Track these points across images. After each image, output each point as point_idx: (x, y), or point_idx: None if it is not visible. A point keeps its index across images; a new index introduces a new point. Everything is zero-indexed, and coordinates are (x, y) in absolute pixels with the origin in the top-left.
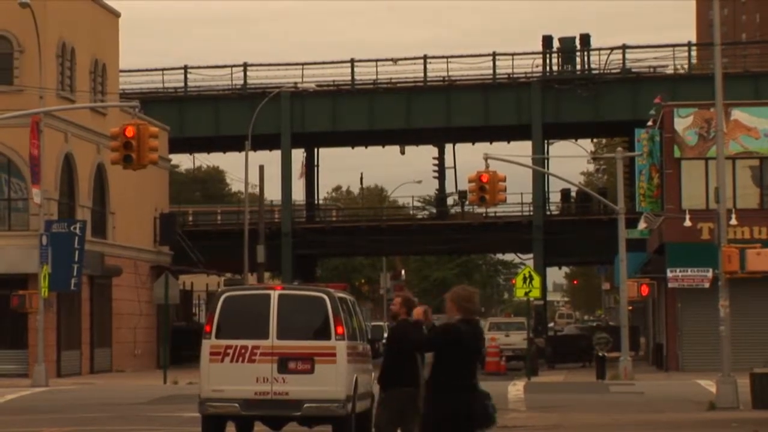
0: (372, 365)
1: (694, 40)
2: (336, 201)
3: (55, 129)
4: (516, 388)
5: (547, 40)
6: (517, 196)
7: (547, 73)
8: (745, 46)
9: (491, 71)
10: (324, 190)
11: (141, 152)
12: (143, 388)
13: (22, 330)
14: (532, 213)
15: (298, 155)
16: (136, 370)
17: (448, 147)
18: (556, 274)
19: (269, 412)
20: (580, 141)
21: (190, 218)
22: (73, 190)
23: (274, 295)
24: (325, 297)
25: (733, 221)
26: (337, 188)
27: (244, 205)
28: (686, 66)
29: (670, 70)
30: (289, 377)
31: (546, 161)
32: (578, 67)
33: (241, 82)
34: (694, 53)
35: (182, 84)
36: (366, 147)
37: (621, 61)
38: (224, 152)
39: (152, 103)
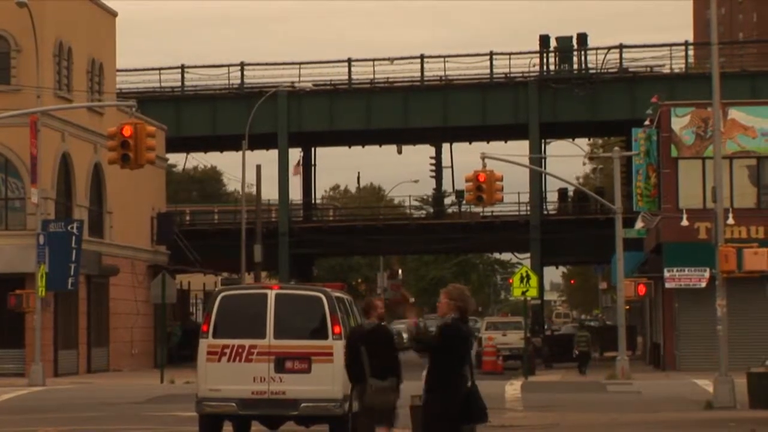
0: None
1: (691, 39)
2: (333, 200)
3: (53, 128)
4: (513, 388)
5: (544, 40)
6: (514, 195)
7: (545, 73)
8: (742, 46)
9: (488, 71)
10: (321, 189)
11: (138, 152)
12: (140, 388)
13: (19, 329)
14: (529, 212)
15: (295, 155)
16: (133, 369)
17: (445, 146)
18: (553, 274)
19: (266, 412)
20: (577, 140)
21: (188, 218)
22: (70, 189)
23: (271, 294)
24: (322, 296)
25: (730, 221)
26: (335, 188)
27: (241, 205)
28: (683, 65)
29: (667, 70)
30: (286, 377)
31: (543, 161)
32: (575, 66)
33: (238, 81)
34: (691, 52)
35: (179, 83)
36: (363, 146)
37: (618, 61)
38: (221, 152)
39: (149, 102)
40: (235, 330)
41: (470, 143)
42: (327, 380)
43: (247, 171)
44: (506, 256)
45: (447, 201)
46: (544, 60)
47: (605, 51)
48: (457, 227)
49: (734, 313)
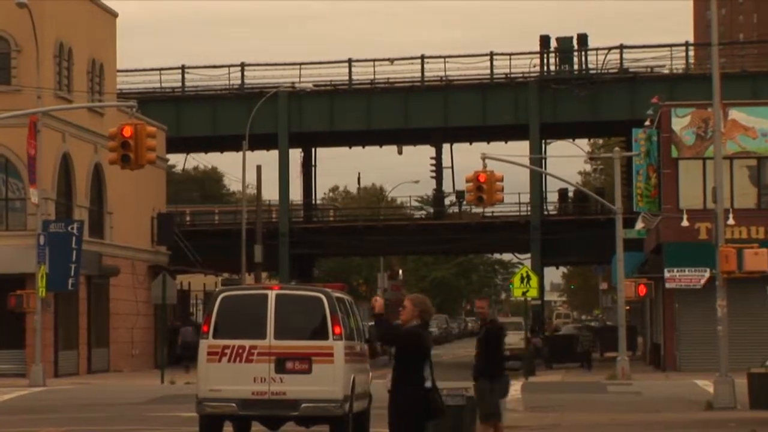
0: (369, 365)
1: (691, 40)
2: (333, 201)
3: (53, 129)
4: (513, 388)
5: (544, 40)
6: (514, 195)
7: (545, 73)
8: (742, 46)
9: (489, 71)
10: (321, 190)
11: (139, 152)
12: (141, 388)
13: (19, 330)
14: (529, 213)
15: (296, 155)
16: (134, 370)
17: (446, 147)
18: (554, 274)
19: (267, 412)
20: (578, 141)
21: (188, 218)
22: (70, 190)
23: (272, 295)
24: (323, 297)
25: (731, 221)
26: (335, 188)
27: (241, 205)
28: (684, 66)
29: (667, 70)
30: (287, 377)
31: (543, 161)
32: (576, 66)
33: (239, 81)
34: (691, 53)
35: (179, 84)
36: (363, 147)
37: (618, 61)
38: (221, 152)
39: (149, 102)
40: (235, 330)
41: (470, 144)
42: (327, 381)
43: (248, 171)
44: (507, 257)
45: (447, 201)
46: (545, 60)
47: (606, 51)
48: (457, 228)
49: (734, 313)
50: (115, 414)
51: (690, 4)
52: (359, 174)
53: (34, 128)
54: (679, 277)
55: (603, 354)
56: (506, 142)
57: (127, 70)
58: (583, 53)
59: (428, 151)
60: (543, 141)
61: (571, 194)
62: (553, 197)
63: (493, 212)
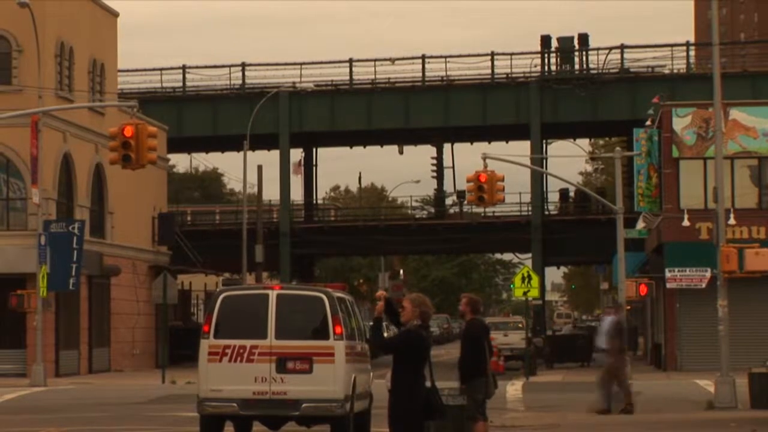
0: (370, 365)
1: (692, 39)
2: (334, 201)
3: (54, 129)
4: (514, 388)
5: (545, 40)
6: (515, 195)
7: (546, 73)
8: (743, 46)
9: (490, 71)
10: (322, 189)
11: (140, 152)
12: (141, 388)
13: (20, 330)
14: (530, 213)
15: (297, 155)
16: (135, 369)
17: (447, 147)
18: (555, 274)
19: (267, 412)
20: (579, 141)
21: (189, 218)
22: (71, 189)
23: (273, 294)
24: (324, 297)
25: (732, 221)
26: (336, 188)
27: (242, 205)
28: (685, 66)
29: (668, 70)
30: (288, 377)
31: (544, 161)
32: (577, 66)
33: (240, 81)
34: (692, 53)
35: (180, 84)
36: (364, 147)
37: (619, 61)
38: (222, 152)
39: (150, 102)
40: (236, 330)
41: (471, 143)
42: (328, 380)
43: (249, 171)
44: (508, 257)
45: (448, 201)
46: (546, 60)
47: (606, 51)
48: (458, 228)
49: (735, 313)
50: (116, 414)
51: (691, 4)
52: (360, 174)
53: (36, 128)
54: (680, 277)
55: None
56: (507, 142)
57: (128, 70)
58: (584, 53)
59: (429, 150)
60: (544, 141)
61: (572, 194)
62: (554, 197)
63: (494, 212)
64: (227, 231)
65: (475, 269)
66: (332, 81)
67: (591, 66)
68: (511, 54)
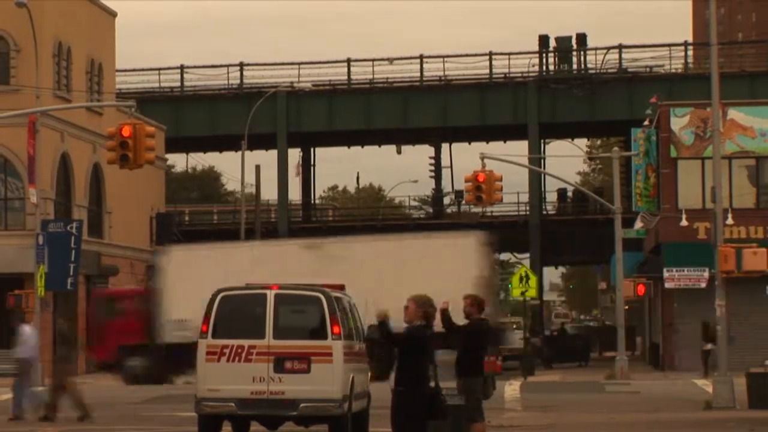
0: (368, 365)
1: (690, 39)
2: (332, 200)
3: (52, 128)
4: (512, 388)
5: (543, 40)
6: (513, 195)
7: (544, 73)
8: (741, 46)
9: (488, 71)
10: (320, 189)
11: (138, 152)
12: (139, 388)
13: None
14: (528, 213)
15: (295, 155)
16: None
17: (445, 146)
18: (553, 274)
19: (265, 412)
20: (577, 141)
21: (187, 218)
22: (69, 189)
23: (271, 294)
24: (322, 297)
25: (730, 221)
26: (334, 188)
27: (240, 205)
28: (682, 65)
29: (666, 70)
30: (286, 377)
31: (542, 161)
32: (575, 66)
33: (238, 81)
34: (690, 53)
35: (178, 84)
36: (362, 146)
37: (617, 61)
38: (220, 152)
39: (148, 102)
40: (234, 330)
41: (469, 143)
42: (326, 380)
43: (247, 171)
44: (506, 256)
45: (446, 201)
46: (544, 60)
47: (604, 51)
48: (456, 227)
49: (733, 313)
50: (114, 414)
51: (689, 4)
52: (358, 174)
53: (34, 128)
54: (678, 277)
55: (602, 353)
56: (505, 142)
57: (125, 70)
58: (581, 53)
59: (427, 150)
60: (542, 141)
61: (570, 194)
62: (552, 197)
63: (492, 212)
64: (225, 231)
65: None
66: (330, 81)
67: (589, 66)
68: (509, 54)
